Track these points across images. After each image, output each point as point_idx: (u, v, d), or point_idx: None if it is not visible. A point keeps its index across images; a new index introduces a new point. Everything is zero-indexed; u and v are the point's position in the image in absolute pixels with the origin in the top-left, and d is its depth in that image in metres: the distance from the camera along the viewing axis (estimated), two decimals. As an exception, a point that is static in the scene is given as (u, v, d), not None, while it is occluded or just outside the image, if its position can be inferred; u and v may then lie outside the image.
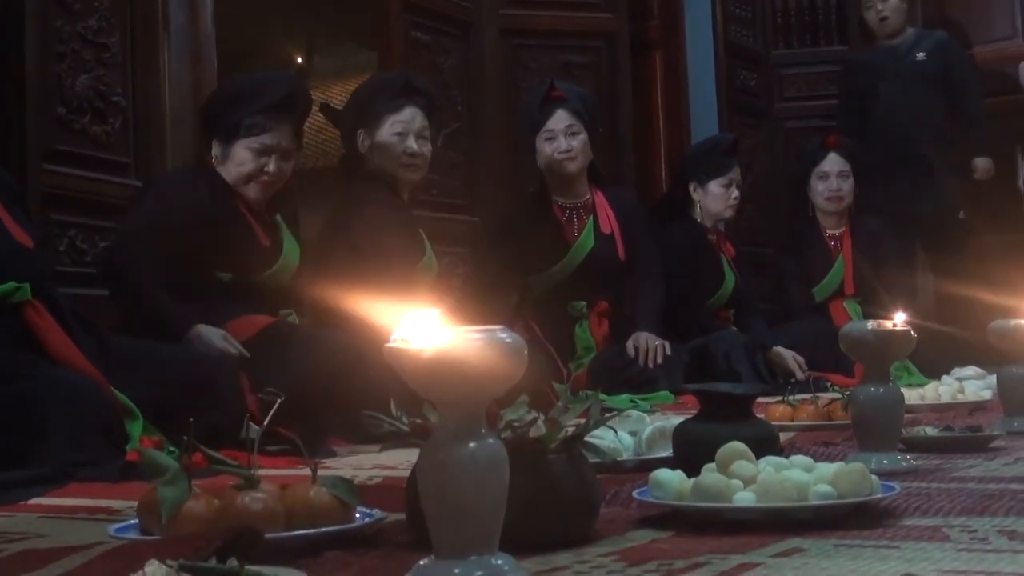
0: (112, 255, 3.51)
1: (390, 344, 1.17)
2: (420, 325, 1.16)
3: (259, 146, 3.52)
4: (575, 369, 4.66)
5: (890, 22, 6.62)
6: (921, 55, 6.56)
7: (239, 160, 3.53)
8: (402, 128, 4.06)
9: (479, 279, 5.06)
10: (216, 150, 3.57)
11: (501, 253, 4.97)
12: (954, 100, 6.49)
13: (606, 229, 4.98)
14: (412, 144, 4.07)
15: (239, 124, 3.52)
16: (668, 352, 4.73)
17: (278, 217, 3.66)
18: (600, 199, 5.04)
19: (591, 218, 4.98)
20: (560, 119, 4.89)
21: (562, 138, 4.88)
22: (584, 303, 4.86)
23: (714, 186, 5.47)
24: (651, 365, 4.68)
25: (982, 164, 6.46)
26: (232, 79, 4.01)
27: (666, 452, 2.24)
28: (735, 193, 5.48)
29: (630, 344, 4.75)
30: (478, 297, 4.82)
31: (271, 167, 3.52)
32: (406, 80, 4.22)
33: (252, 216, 3.56)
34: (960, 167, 6.41)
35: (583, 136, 4.91)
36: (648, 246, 5.07)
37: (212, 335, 3.27)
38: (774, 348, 5.19)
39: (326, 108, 4.43)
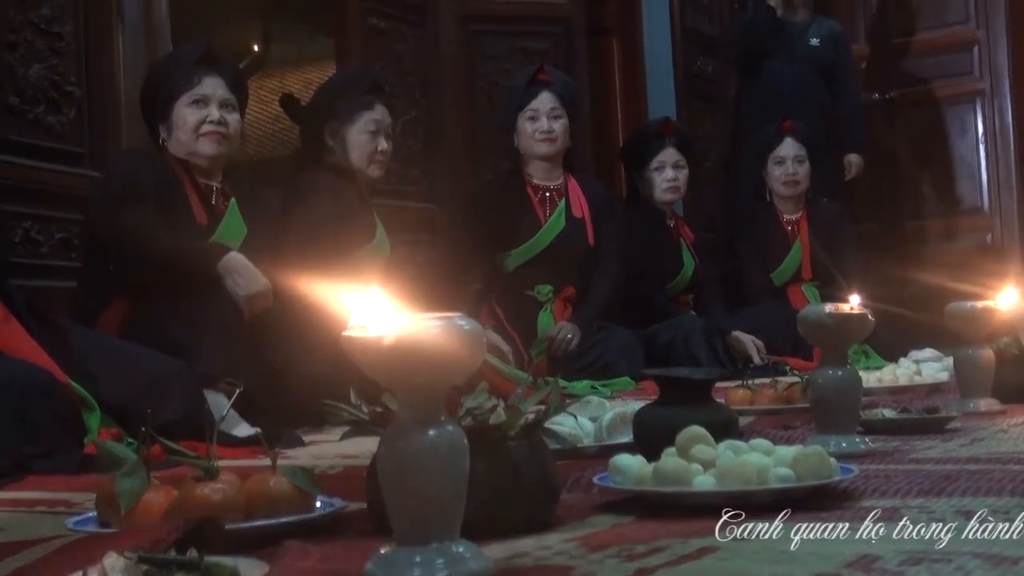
0: (100, 228, 3.40)
1: (347, 332, 1.16)
2: (365, 305, 1.15)
3: (197, 96, 3.50)
4: (537, 355, 4.67)
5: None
6: (815, 41, 6.51)
7: (182, 119, 3.50)
8: (375, 126, 4.09)
9: (445, 261, 5.07)
10: (164, 132, 3.54)
11: (469, 235, 4.99)
12: (836, 92, 6.50)
13: (577, 213, 5.01)
14: (384, 143, 4.10)
15: (173, 90, 3.51)
16: (572, 347, 4.73)
17: (232, 200, 3.60)
18: (573, 185, 5.07)
19: (563, 201, 5.00)
20: (545, 100, 4.95)
21: (545, 119, 4.94)
22: (550, 287, 4.87)
23: (647, 172, 5.51)
24: (558, 355, 4.70)
25: (855, 161, 6.49)
26: (154, 63, 3.95)
27: (626, 437, 2.25)
28: (669, 175, 5.48)
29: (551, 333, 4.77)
30: (442, 281, 4.81)
31: (213, 115, 3.50)
32: (375, 78, 4.25)
33: (196, 194, 3.51)
34: (832, 159, 6.36)
35: (565, 121, 4.98)
36: (611, 237, 5.07)
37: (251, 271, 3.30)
38: (733, 333, 5.21)
39: (288, 100, 4.41)
